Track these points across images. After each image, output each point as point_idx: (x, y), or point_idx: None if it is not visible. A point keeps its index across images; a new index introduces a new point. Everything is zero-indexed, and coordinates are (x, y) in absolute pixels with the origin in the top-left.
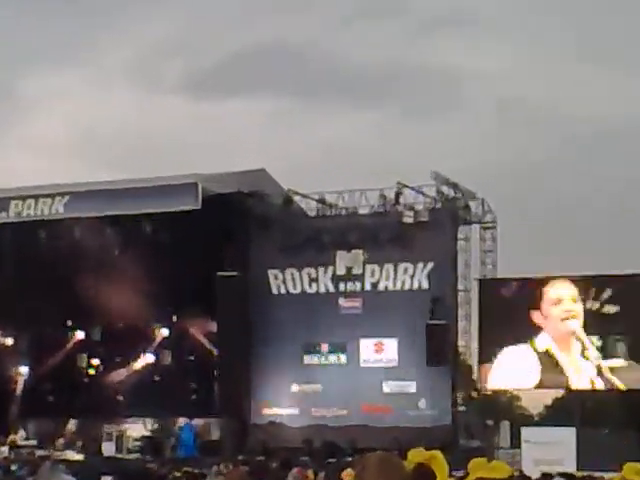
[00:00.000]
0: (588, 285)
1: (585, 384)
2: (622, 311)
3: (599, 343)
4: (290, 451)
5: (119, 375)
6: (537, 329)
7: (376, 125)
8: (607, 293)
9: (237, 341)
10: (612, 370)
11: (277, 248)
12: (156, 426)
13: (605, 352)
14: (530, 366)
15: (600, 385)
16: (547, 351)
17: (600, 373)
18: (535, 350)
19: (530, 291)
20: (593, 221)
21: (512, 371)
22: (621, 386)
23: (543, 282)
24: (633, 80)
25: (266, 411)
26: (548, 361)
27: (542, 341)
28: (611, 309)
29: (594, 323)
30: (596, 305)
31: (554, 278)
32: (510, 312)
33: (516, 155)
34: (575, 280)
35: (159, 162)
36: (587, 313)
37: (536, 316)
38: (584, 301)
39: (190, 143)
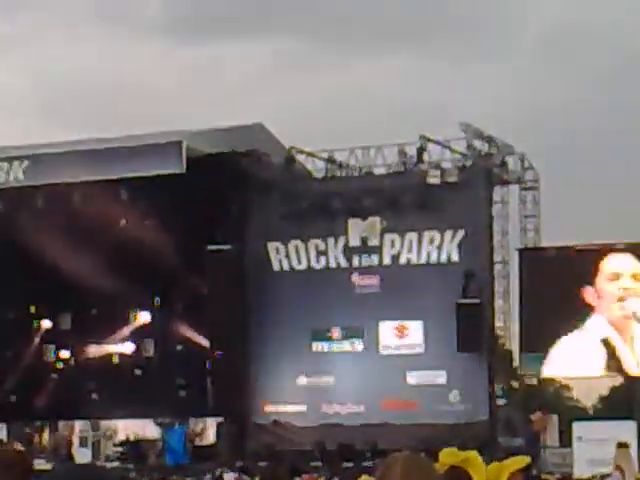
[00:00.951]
0: None
1: None
2: None
3: None
4: (299, 455)
5: (93, 369)
6: (589, 309)
7: (395, 71)
8: None
9: (232, 327)
10: None
11: (278, 217)
12: (138, 429)
13: None
14: (584, 355)
15: None
16: (603, 338)
17: None
18: (588, 337)
19: (582, 263)
20: None
21: (564, 361)
22: None
23: (598, 253)
24: None
25: (269, 409)
26: (604, 349)
27: (595, 325)
28: None
29: None
30: None
31: (610, 249)
32: (558, 288)
33: (563, 102)
34: (636, 251)
35: (135, 119)
36: None
37: (588, 293)
38: None
39: (172, 95)
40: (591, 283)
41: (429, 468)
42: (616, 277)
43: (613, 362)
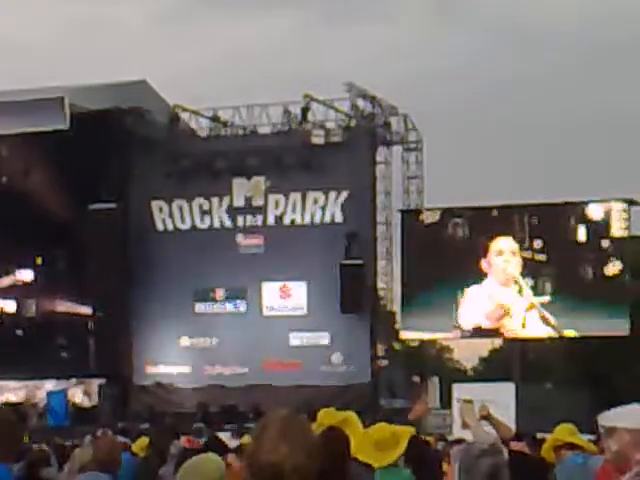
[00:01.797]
0: (523, 237)
1: (518, 324)
2: (549, 259)
3: (532, 283)
4: (181, 417)
5: None
6: (476, 274)
7: (281, 30)
8: (538, 244)
9: (114, 287)
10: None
11: (162, 175)
12: (19, 390)
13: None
14: (468, 315)
15: (534, 323)
16: (491, 299)
17: (534, 310)
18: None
19: (463, 226)
20: (533, 141)
21: (446, 323)
22: (554, 324)
23: (487, 236)
24: None
25: (151, 370)
26: (490, 310)
27: (484, 287)
28: (541, 257)
29: (528, 269)
30: (528, 254)
31: (498, 234)
32: (439, 249)
33: (448, 66)
34: (514, 234)
35: (16, 74)
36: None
37: (484, 264)
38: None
39: (52, 53)
40: (484, 255)
41: (305, 428)
42: (501, 253)
43: (495, 324)
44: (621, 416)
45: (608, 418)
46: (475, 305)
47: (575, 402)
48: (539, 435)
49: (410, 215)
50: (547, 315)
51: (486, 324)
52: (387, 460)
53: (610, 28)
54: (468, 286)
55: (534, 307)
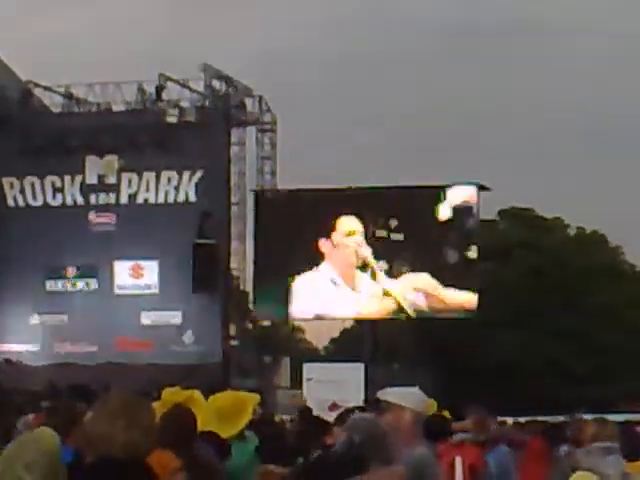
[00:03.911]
0: (375, 217)
1: (373, 307)
2: (406, 239)
3: (386, 267)
4: (29, 395)
5: None
6: (320, 256)
7: (137, 7)
8: (394, 222)
9: None
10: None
11: (14, 151)
12: None
13: (391, 274)
14: (317, 297)
15: (388, 307)
16: (333, 280)
17: (388, 295)
18: (320, 279)
19: (314, 208)
20: (389, 124)
21: (297, 302)
22: (405, 305)
23: (331, 210)
24: None
25: (0, 348)
26: (335, 291)
27: (327, 269)
28: (398, 237)
29: (382, 250)
30: (383, 233)
31: (342, 213)
32: (291, 230)
33: (304, 47)
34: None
35: None
36: (376, 240)
37: (323, 244)
38: (373, 231)
39: None
40: (328, 236)
41: (144, 407)
42: (352, 234)
43: (343, 304)
44: (404, 396)
45: (390, 395)
46: (314, 293)
47: (420, 381)
48: None
49: (263, 196)
50: (401, 299)
51: (328, 312)
52: (233, 430)
53: (466, 14)
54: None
55: (390, 295)
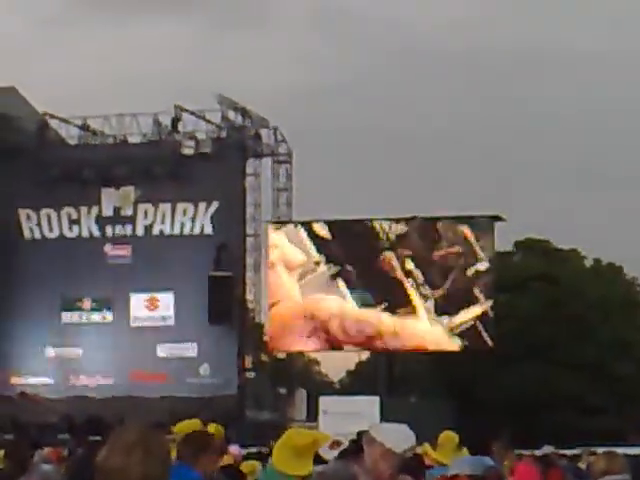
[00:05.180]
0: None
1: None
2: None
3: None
4: (45, 428)
5: None
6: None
7: (153, 39)
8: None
9: None
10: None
11: (30, 183)
12: None
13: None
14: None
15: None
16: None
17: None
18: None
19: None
20: (406, 154)
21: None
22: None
23: None
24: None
25: (15, 380)
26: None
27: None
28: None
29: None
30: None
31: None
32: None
33: (320, 81)
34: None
35: None
36: None
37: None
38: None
39: None
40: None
41: (160, 439)
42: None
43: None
44: (384, 432)
45: (374, 429)
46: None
47: (436, 415)
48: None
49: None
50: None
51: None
52: (309, 467)
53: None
54: None
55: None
